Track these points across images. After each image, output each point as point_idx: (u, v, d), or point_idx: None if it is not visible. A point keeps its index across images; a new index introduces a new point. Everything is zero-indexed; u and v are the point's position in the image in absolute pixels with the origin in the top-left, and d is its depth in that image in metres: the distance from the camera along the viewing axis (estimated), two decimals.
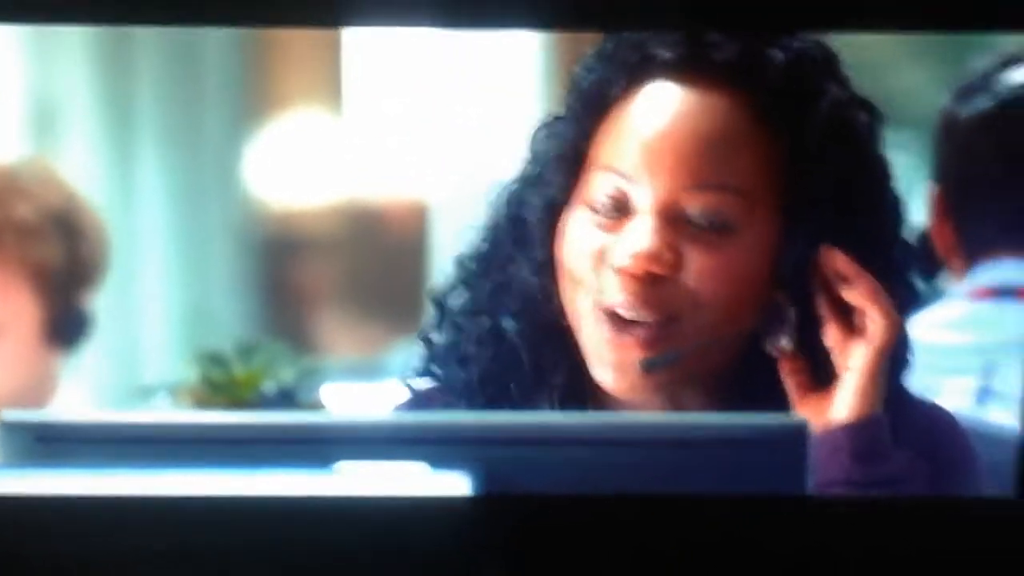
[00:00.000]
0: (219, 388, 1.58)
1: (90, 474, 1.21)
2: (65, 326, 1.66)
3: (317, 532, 1.34)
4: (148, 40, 1.52)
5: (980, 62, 1.53)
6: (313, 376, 1.61)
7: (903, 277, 1.37)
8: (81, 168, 1.62)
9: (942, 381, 1.54)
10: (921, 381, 1.51)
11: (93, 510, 1.39)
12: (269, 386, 1.58)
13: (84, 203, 1.67)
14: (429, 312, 1.38)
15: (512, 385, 1.36)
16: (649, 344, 1.32)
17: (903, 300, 1.36)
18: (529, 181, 1.36)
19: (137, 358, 1.72)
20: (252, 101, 1.52)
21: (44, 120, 1.61)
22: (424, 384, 1.39)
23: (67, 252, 1.65)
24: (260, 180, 1.52)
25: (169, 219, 1.55)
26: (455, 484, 1.24)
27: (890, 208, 1.36)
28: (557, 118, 1.36)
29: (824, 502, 1.38)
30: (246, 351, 1.60)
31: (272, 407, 1.56)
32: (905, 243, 1.37)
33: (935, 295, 1.57)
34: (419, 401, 1.39)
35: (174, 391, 1.57)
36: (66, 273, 1.66)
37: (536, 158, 1.36)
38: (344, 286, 1.77)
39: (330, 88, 1.57)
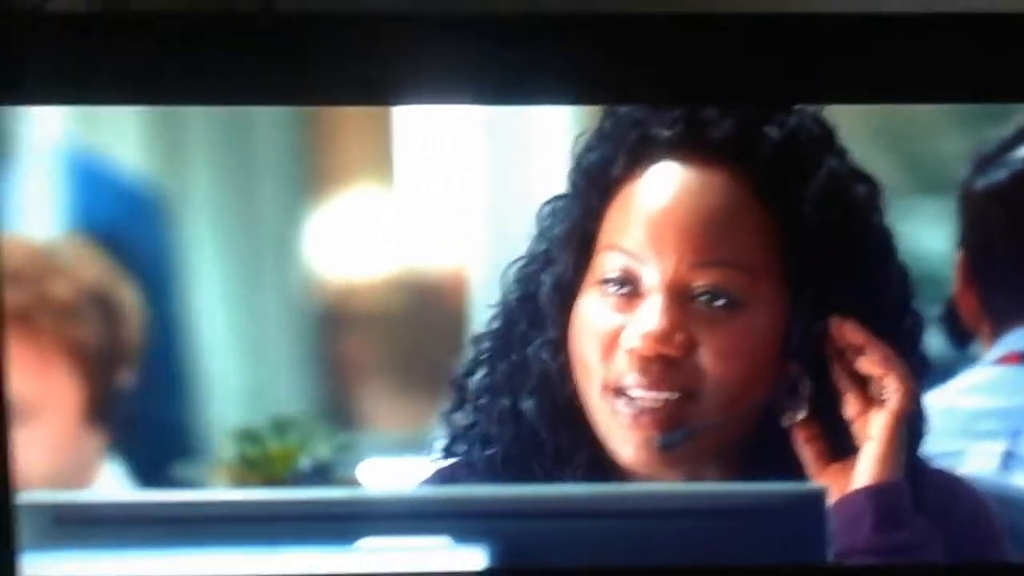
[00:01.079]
0: (254, 465, 1.60)
1: (107, 555, 1.23)
2: (105, 406, 1.65)
3: None
4: (199, 117, 1.54)
5: (997, 132, 1.54)
6: (349, 451, 1.62)
7: (915, 347, 1.38)
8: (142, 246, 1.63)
9: (969, 445, 1.54)
10: (949, 445, 1.52)
11: None
12: (304, 462, 1.60)
13: (122, 283, 1.68)
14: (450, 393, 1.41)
15: (534, 464, 1.38)
16: (664, 422, 1.35)
17: (915, 370, 1.37)
18: (538, 259, 1.39)
19: (192, 436, 1.72)
20: (305, 177, 1.53)
21: (92, 200, 1.62)
22: (448, 462, 1.41)
23: (105, 331, 1.65)
24: (314, 255, 1.54)
25: (224, 297, 1.56)
26: (473, 558, 1.26)
27: (895, 279, 1.38)
28: (561, 196, 1.39)
29: (846, 570, 1.39)
30: (281, 426, 1.61)
31: (308, 483, 1.57)
32: (915, 313, 1.38)
33: (967, 362, 1.57)
34: (443, 479, 1.41)
35: (210, 469, 1.59)
36: (105, 352, 1.66)
37: (544, 236, 1.39)
38: (389, 360, 1.79)
39: (382, 163, 1.59)
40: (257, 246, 1.55)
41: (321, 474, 1.58)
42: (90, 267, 1.66)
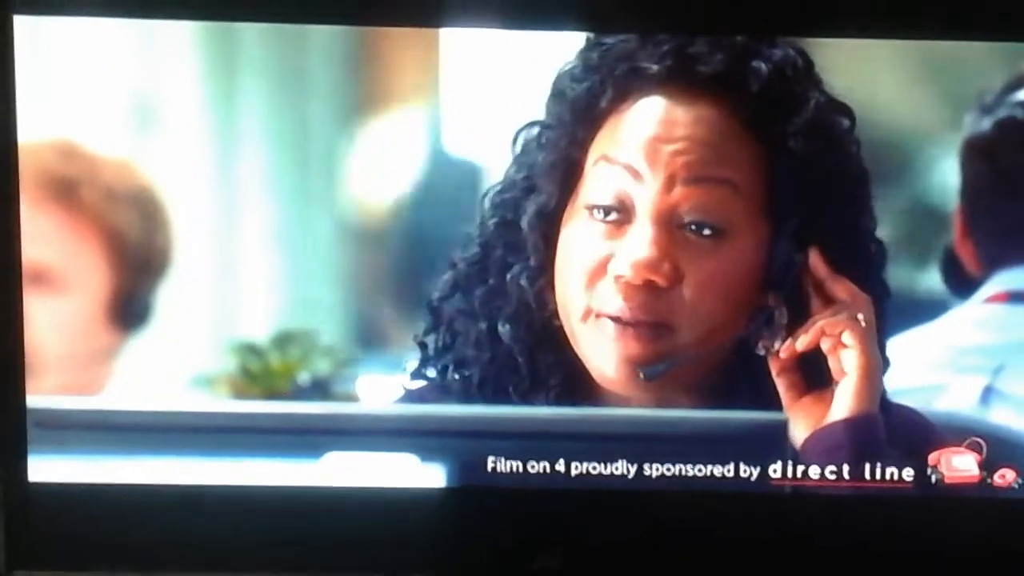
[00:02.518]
0: (255, 378, 1.63)
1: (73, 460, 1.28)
2: (131, 306, 1.68)
3: (298, 519, 1.40)
4: (253, 33, 1.55)
5: (991, 83, 1.55)
6: (349, 367, 1.65)
7: (878, 274, 1.41)
8: (183, 163, 1.64)
9: (952, 379, 1.56)
10: (933, 378, 1.54)
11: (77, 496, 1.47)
12: (304, 377, 1.62)
13: (162, 200, 1.69)
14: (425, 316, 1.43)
15: (510, 387, 1.41)
16: (649, 346, 1.37)
17: (878, 296, 1.40)
18: (518, 186, 1.41)
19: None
20: (357, 96, 1.54)
21: (145, 115, 1.64)
22: (419, 383, 1.44)
23: (143, 232, 1.67)
24: (364, 175, 1.55)
25: (272, 213, 1.57)
26: (433, 475, 1.30)
27: (866, 207, 1.40)
28: (544, 125, 1.41)
29: (805, 496, 1.43)
30: (282, 341, 1.64)
31: (306, 398, 1.60)
32: (879, 241, 1.40)
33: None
34: (415, 399, 1.44)
35: (212, 381, 1.63)
36: (140, 252, 1.68)
37: (523, 164, 1.41)
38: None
39: (431, 85, 1.60)
40: (306, 163, 1.55)
41: (320, 389, 1.61)
42: (136, 174, 1.66)
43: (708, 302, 1.36)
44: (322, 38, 1.53)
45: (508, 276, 1.40)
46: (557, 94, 1.40)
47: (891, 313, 1.49)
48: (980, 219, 1.55)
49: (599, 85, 1.38)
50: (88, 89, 1.57)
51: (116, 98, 1.61)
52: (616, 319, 1.37)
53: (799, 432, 1.40)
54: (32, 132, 1.61)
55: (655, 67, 1.37)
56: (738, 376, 1.39)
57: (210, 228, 1.63)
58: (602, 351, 1.37)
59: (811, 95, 1.37)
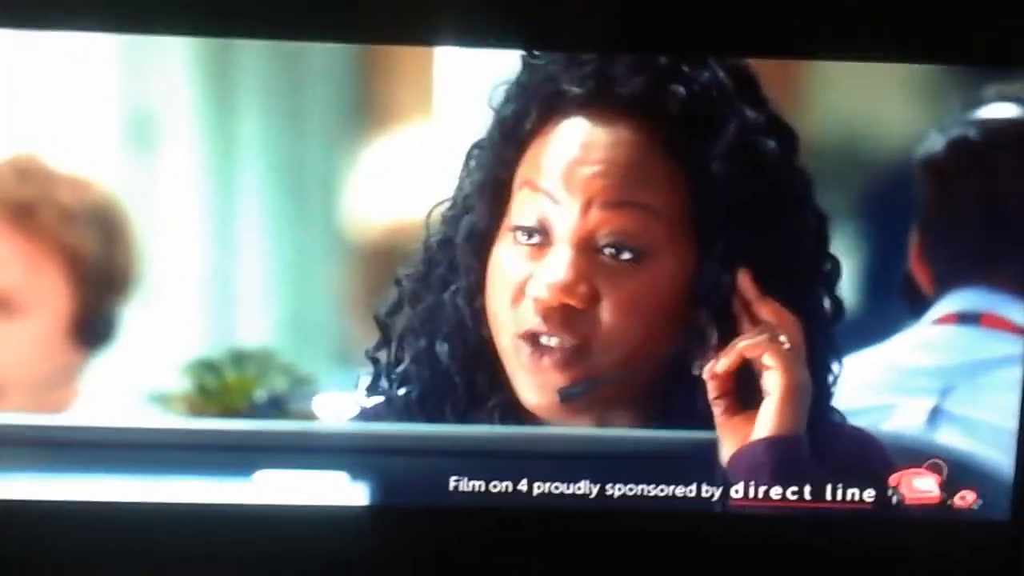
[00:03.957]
0: (212, 395, 1.64)
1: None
2: (93, 325, 1.68)
3: (224, 537, 1.41)
4: (251, 49, 1.56)
5: (947, 105, 1.55)
6: (306, 385, 1.65)
7: (830, 290, 1.40)
8: (179, 177, 1.64)
9: (900, 400, 1.55)
10: (882, 399, 1.54)
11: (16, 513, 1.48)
12: (261, 395, 1.63)
13: (125, 212, 1.68)
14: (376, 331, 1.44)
15: (447, 405, 1.41)
16: (566, 370, 1.38)
17: (830, 314, 1.39)
18: (459, 206, 1.42)
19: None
20: (354, 112, 1.54)
21: (141, 129, 1.64)
22: (372, 401, 1.44)
23: (103, 250, 1.67)
24: (361, 192, 1.55)
25: (269, 228, 1.57)
26: (356, 493, 1.30)
27: (811, 226, 1.39)
28: (478, 146, 1.42)
29: (737, 516, 1.43)
30: (239, 358, 1.64)
31: (263, 416, 1.60)
32: (832, 257, 1.40)
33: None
34: (366, 417, 1.44)
35: (167, 399, 1.63)
36: (100, 270, 1.68)
37: (464, 183, 1.41)
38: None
39: (427, 102, 1.61)
40: (304, 177, 1.55)
41: (276, 406, 1.61)
42: (94, 188, 1.66)
43: (627, 324, 1.36)
44: (319, 56, 1.53)
45: (446, 294, 1.41)
46: (494, 115, 1.41)
47: (846, 334, 1.50)
48: (933, 240, 1.55)
49: (524, 107, 1.39)
50: (71, 104, 1.58)
51: (103, 114, 1.61)
52: (534, 341, 1.37)
53: (726, 450, 1.39)
54: None
55: (576, 89, 1.37)
56: (674, 394, 1.39)
57: (178, 242, 1.63)
58: (523, 375, 1.38)
59: (733, 118, 1.37)
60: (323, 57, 1.53)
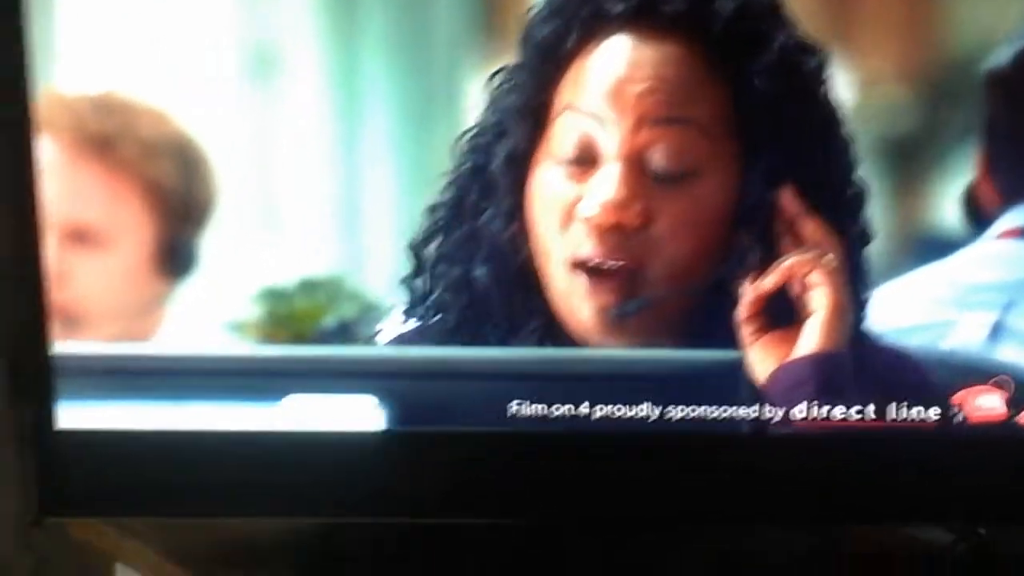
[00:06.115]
0: (281, 322, 1.66)
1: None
2: (174, 255, 1.71)
3: (251, 461, 1.43)
4: None
5: (1015, 23, 1.52)
6: (375, 311, 1.67)
7: (856, 217, 1.39)
8: (304, 108, 1.64)
9: (962, 315, 1.53)
10: (942, 315, 1.52)
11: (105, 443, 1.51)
12: (330, 321, 1.65)
13: (200, 146, 1.71)
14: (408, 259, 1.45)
15: (487, 330, 1.42)
16: (620, 291, 1.38)
17: (858, 240, 1.38)
18: (491, 131, 1.42)
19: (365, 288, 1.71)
20: (481, 28, 1.54)
21: (264, 62, 1.65)
22: (408, 327, 1.46)
23: (184, 182, 1.70)
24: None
25: (395, 150, 1.58)
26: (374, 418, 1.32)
27: (841, 150, 1.39)
28: (514, 68, 1.42)
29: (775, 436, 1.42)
30: (309, 286, 1.67)
31: (330, 342, 1.63)
32: (856, 184, 1.39)
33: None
34: (402, 341, 1.46)
35: (239, 326, 1.66)
36: (181, 202, 1.70)
37: (496, 109, 1.42)
38: None
39: None
40: (431, 96, 1.55)
41: (345, 332, 1.63)
42: (174, 124, 1.69)
43: (680, 243, 1.36)
44: None
45: (481, 220, 1.42)
46: (526, 37, 1.41)
47: (904, 252, 1.49)
48: (1000, 155, 1.53)
49: (564, 27, 1.39)
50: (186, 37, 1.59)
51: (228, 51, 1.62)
52: (587, 263, 1.37)
53: (763, 369, 1.39)
54: (70, 87, 1.64)
55: (619, 7, 1.37)
56: (716, 317, 1.39)
57: (254, 173, 1.64)
58: (575, 299, 1.39)
59: (776, 35, 1.37)
60: None
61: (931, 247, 1.52)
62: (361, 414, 1.41)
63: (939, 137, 1.51)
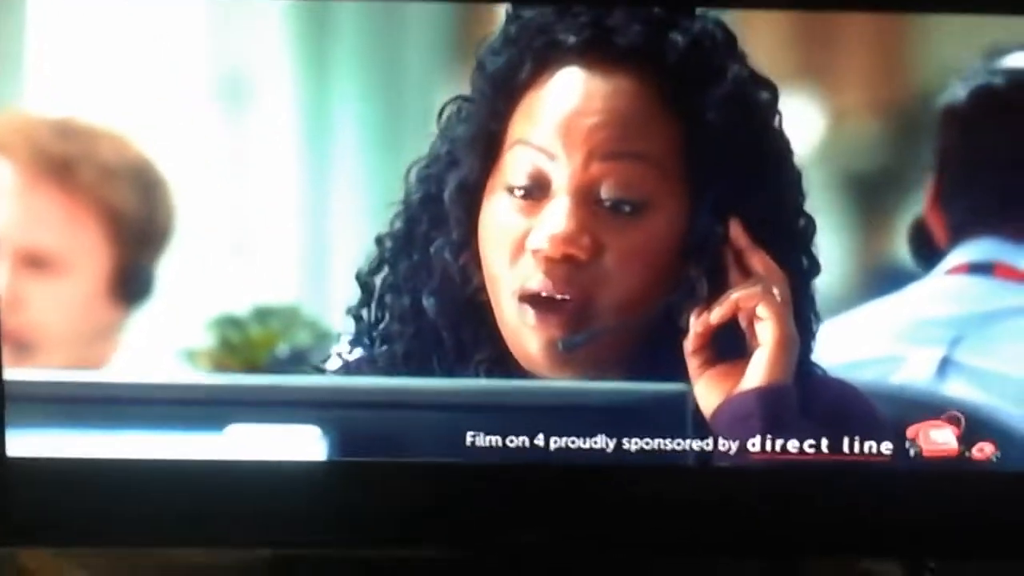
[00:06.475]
0: (235, 350, 1.66)
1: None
2: (132, 281, 1.69)
3: (195, 491, 1.43)
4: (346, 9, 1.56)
5: (975, 55, 1.53)
6: (329, 340, 1.67)
7: (807, 247, 1.40)
8: (271, 135, 1.63)
9: (910, 351, 1.54)
10: (891, 350, 1.53)
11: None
12: (283, 349, 1.64)
13: (161, 170, 1.69)
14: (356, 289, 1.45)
15: (435, 361, 1.42)
16: (570, 323, 1.38)
17: (807, 273, 1.39)
18: (441, 160, 1.42)
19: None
20: (454, 56, 1.54)
21: (234, 88, 1.64)
22: (353, 356, 1.46)
23: (143, 206, 1.69)
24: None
25: (363, 178, 1.57)
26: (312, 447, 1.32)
27: (791, 182, 1.39)
28: (466, 99, 1.42)
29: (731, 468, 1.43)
30: (263, 313, 1.66)
31: (283, 370, 1.62)
32: (807, 215, 1.40)
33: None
34: (348, 371, 1.46)
35: (192, 354, 1.65)
36: (139, 227, 1.69)
37: (447, 137, 1.42)
38: None
39: None
40: (402, 117, 1.54)
41: (297, 361, 1.63)
42: (133, 146, 1.67)
43: (629, 275, 1.37)
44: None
45: (432, 250, 1.42)
46: (479, 67, 1.41)
47: (857, 285, 1.50)
48: (950, 189, 1.54)
49: (517, 57, 1.39)
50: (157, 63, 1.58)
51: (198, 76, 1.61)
52: (536, 295, 1.37)
53: (709, 402, 1.39)
54: (29, 109, 1.63)
55: (573, 38, 1.37)
56: (662, 349, 1.39)
57: (217, 200, 1.63)
58: (524, 331, 1.39)
59: (729, 68, 1.37)
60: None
61: (890, 280, 1.53)
62: (303, 444, 1.41)
63: (901, 171, 1.52)
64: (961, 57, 1.52)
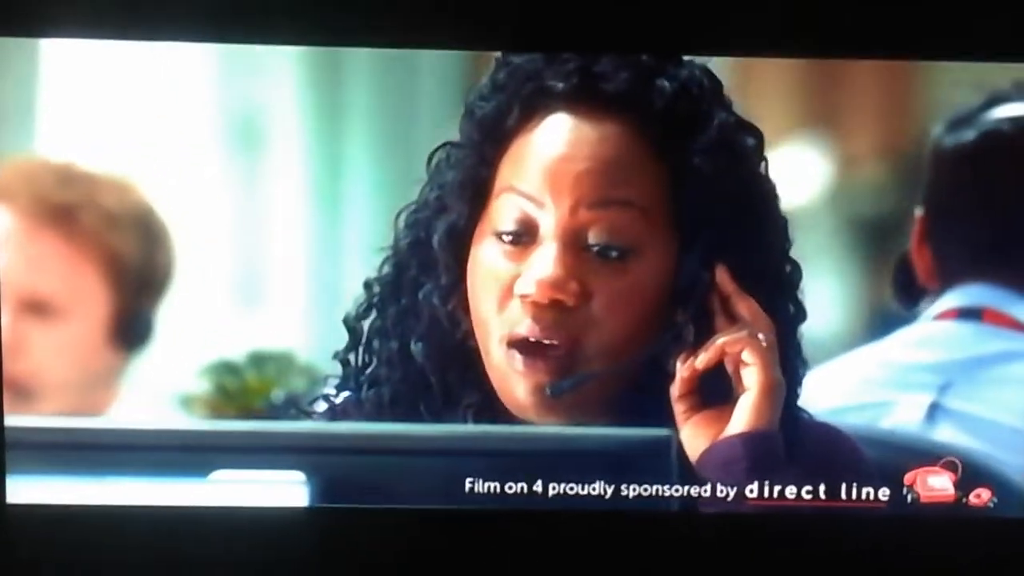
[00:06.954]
0: (231, 396, 1.66)
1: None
2: (132, 327, 1.69)
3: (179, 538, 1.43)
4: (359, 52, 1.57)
5: (971, 97, 1.53)
6: (324, 386, 1.67)
7: (793, 293, 1.40)
8: (286, 179, 1.64)
9: (899, 396, 1.54)
10: (880, 396, 1.54)
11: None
12: (278, 395, 1.65)
13: (162, 218, 1.70)
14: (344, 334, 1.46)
15: (422, 405, 1.43)
16: (557, 369, 1.38)
17: (792, 316, 1.39)
18: (430, 206, 1.43)
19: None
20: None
21: (247, 135, 1.65)
22: (339, 400, 1.46)
23: (144, 253, 1.69)
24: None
25: (376, 230, 1.58)
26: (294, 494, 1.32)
27: (777, 228, 1.40)
28: (455, 145, 1.42)
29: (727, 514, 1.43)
30: (259, 360, 1.67)
31: (279, 416, 1.62)
32: (793, 261, 1.40)
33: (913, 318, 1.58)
34: (335, 414, 1.46)
35: (188, 400, 1.66)
36: (140, 274, 1.70)
37: (437, 184, 1.42)
38: None
39: None
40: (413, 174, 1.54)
41: (293, 406, 1.63)
42: (136, 193, 1.68)
43: (616, 320, 1.37)
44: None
45: (420, 295, 1.42)
46: (467, 113, 1.42)
47: (848, 330, 1.51)
48: (939, 233, 1.54)
49: (506, 104, 1.40)
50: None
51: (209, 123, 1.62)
52: (524, 341, 1.38)
53: (695, 447, 1.39)
54: (32, 156, 1.64)
55: (560, 85, 1.38)
56: (649, 394, 1.39)
57: (217, 246, 1.64)
58: (511, 376, 1.39)
59: (716, 114, 1.38)
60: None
61: (881, 324, 1.54)
62: (287, 490, 1.41)
63: (892, 217, 1.53)
64: (956, 102, 1.52)
